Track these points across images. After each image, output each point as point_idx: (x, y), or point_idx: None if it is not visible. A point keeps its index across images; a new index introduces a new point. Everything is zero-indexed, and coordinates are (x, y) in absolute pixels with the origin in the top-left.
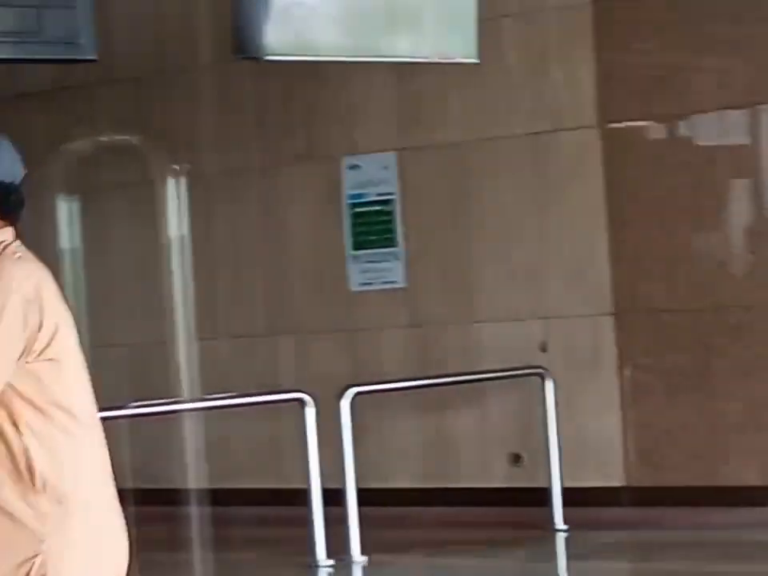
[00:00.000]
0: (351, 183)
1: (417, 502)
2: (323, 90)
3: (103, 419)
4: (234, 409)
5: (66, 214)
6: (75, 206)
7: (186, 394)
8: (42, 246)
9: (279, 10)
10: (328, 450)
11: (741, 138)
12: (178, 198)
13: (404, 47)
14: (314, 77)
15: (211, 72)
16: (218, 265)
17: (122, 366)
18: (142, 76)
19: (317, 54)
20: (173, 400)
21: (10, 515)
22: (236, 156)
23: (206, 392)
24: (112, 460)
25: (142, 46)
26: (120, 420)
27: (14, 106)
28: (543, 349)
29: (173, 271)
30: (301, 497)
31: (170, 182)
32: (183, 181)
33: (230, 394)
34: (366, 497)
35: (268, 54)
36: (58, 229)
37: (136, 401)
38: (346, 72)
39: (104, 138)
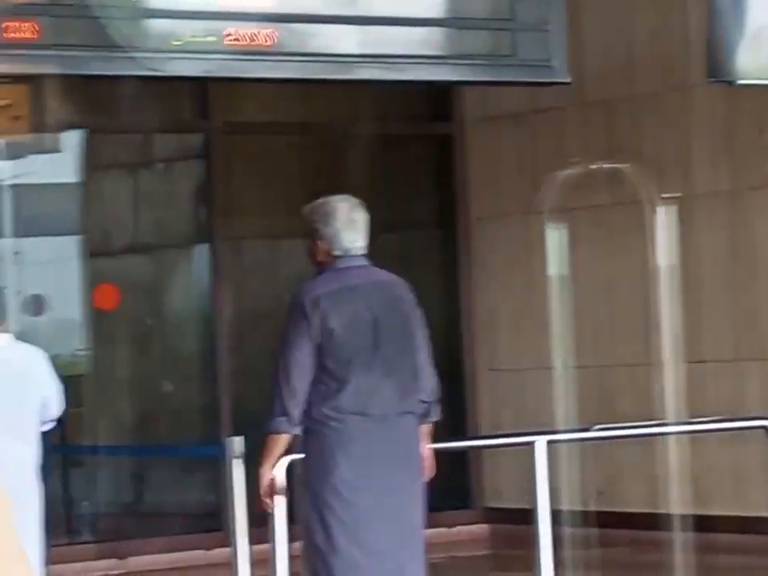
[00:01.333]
0: None
1: None
2: None
3: (572, 440)
4: (699, 434)
5: (554, 239)
6: (563, 231)
7: (659, 418)
8: (532, 271)
9: (752, 34)
10: None
11: None
12: (664, 223)
13: None
14: None
15: (679, 94)
16: (690, 289)
17: (590, 387)
18: (611, 98)
19: None
20: (639, 424)
21: None
22: (705, 180)
23: (672, 416)
24: (577, 481)
25: (612, 67)
26: (586, 442)
27: (486, 128)
28: None
29: (659, 296)
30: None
31: (656, 208)
32: (667, 207)
33: (697, 419)
34: None
35: (740, 78)
36: (548, 254)
37: (602, 423)
38: None
39: (587, 164)
